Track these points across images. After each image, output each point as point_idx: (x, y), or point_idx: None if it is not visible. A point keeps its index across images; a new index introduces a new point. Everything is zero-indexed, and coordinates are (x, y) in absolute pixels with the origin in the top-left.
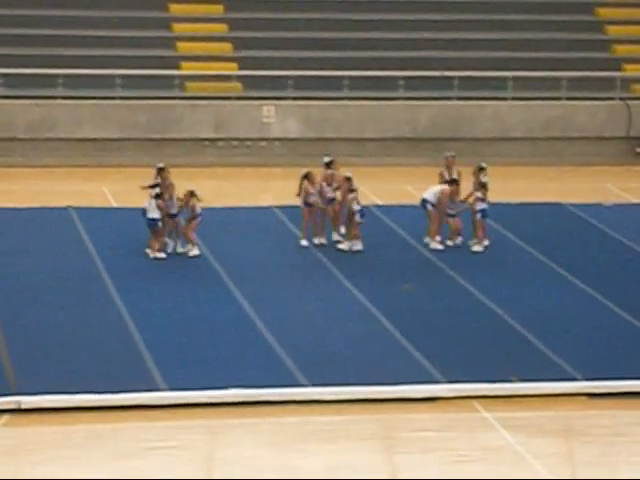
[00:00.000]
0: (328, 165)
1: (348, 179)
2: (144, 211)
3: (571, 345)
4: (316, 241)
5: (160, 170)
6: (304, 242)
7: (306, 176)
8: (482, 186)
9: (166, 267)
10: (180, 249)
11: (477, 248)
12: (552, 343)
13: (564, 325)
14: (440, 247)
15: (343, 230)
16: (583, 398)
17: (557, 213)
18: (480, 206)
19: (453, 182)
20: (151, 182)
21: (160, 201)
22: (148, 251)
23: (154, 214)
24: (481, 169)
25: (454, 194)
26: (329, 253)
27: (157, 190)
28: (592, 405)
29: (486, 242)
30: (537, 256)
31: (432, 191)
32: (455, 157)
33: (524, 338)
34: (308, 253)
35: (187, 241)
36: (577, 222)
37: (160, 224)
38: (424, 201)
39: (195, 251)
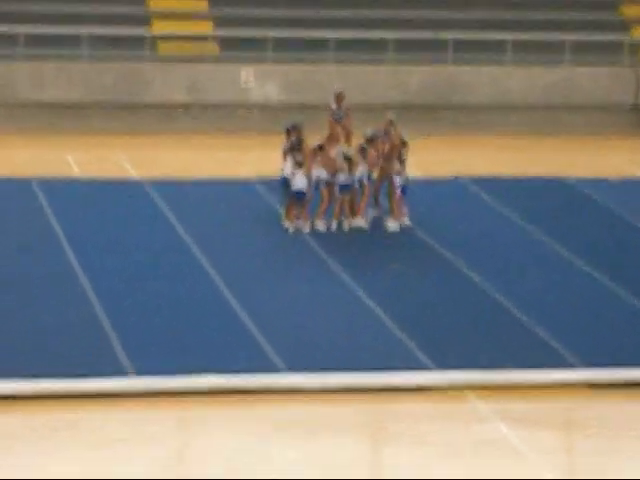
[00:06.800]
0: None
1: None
2: (285, 181)
3: (574, 331)
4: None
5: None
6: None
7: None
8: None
9: (134, 244)
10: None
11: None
12: (553, 329)
13: (566, 310)
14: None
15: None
16: (585, 388)
17: (557, 188)
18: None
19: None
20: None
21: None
22: (287, 224)
23: (300, 185)
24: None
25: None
26: (313, 233)
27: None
28: (595, 396)
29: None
30: (535, 235)
31: None
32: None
33: (522, 323)
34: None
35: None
36: (580, 198)
37: (307, 196)
38: None
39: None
